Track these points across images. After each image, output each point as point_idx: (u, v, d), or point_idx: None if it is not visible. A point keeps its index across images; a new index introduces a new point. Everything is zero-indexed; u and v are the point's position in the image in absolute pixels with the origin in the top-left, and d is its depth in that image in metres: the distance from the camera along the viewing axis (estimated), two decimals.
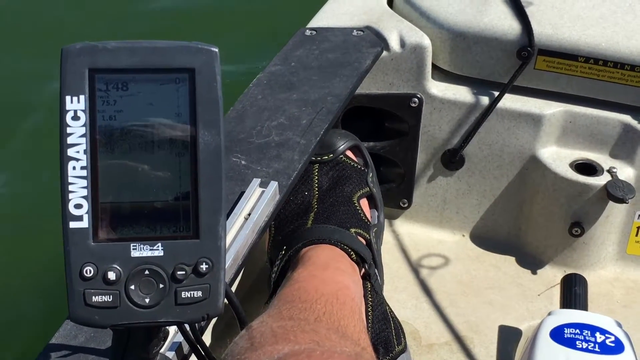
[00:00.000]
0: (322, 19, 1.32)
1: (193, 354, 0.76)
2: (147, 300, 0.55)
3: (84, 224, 0.54)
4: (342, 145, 1.14)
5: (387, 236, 1.35)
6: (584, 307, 1.12)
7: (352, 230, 1.05)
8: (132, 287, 0.55)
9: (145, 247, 0.55)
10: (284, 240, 1.05)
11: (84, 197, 0.54)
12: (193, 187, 0.55)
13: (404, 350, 1.01)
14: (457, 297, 1.26)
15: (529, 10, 1.22)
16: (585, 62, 1.20)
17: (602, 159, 1.25)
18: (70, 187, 0.53)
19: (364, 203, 1.13)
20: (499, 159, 1.30)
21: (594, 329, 1.01)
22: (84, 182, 0.54)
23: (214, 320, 1.00)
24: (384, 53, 1.24)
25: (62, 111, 0.53)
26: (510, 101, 1.25)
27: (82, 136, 0.53)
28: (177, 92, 0.54)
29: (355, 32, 1.27)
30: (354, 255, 1.01)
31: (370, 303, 1.00)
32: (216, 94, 0.55)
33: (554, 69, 1.22)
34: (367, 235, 1.07)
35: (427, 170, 1.35)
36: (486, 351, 1.16)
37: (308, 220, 1.06)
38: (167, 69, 0.54)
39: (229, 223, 0.90)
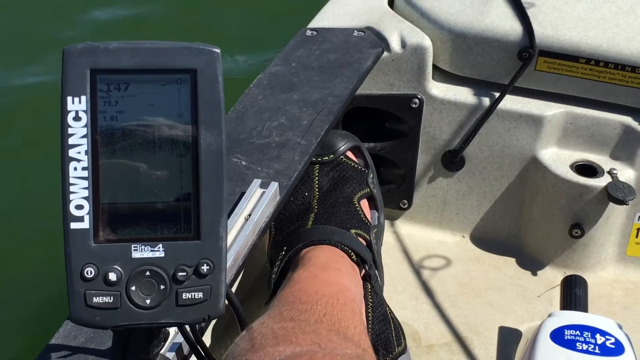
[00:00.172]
0: (322, 20, 1.32)
1: (193, 355, 0.76)
2: (147, 302, 0.55)
3: (85, 224, 0.54)
4: (342, 146, 1.14)
5: (387, 237, 1.35)
6: (584, 309, 1.12)
7: (353, 231, 1.05)
8: (133, 288, 0.55)
9: (146, 248, 0.55)
10: (284, 241, 1.05)
11: (85, 197, 0.54)
12: (194, 188, 0.55)
13: (404, 351, 1.00)
14: (457, 298, 1.26)
15: (530, 12, 1.22)
16: (586, 64, 1.20)
17: (603, 161, 1.25)
18: (71, 188, 0.53)
19: (364, 204, 1.13)
20: (500, 160, 1.30)
21: (594, 331, 1.01)
22: (85, 183, 0.53)
23: (214, 321, 1.00)
24: (385, 54, 1.24)
25: (64, 112, 0.53)
26: (510, 102, 1.25)
27: (83, 137, 0.53)
28: (178, 93, 0.54)
29: (356, 33, 1.27)
30: (354, 256, 1.01)
31: (371, 304, 0.99)
32: (218, 95, 0.55)
33: (554, 70, 1.22)
34: (368, 236, 1.07)
35: (428, 171, 1.35)
36: (486, 352, 1.16)
37: (308, 221, 1.06)
38: (168, 70, 0.54)
39: (230, 224, 0.90)
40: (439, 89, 1.28)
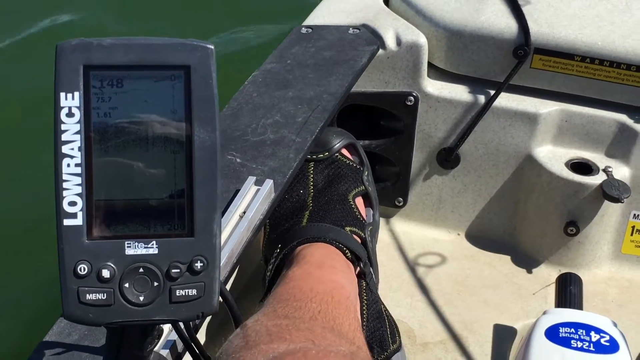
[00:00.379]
0: (318, 17, 1.32)
1: (187, 352, 0.76)
2: (141, 298, 0.55)
3: (78, 221, 0.54)
4: (337, 144, 1.14)
5: (382, 235, 1.35)
6: (579, 306, 1.12)
7: (347, 228, 1.05)
8: (127, 285, 0.55)
9: (139, 245, 0.55)
10: (278, 239, 1.05)
11: (78, 194, 0.53)
12: (188, 185, 0.55)
13: (398, 349, 1.00)
14: (452, 295, 1.26)
15: (525, 9, 1.22)
16: (581, 61, 1.20)
17: (598, 158, 1.25)
18: (65, 185, 0.53)
19: (359, 201, 1.13)
20: (495, 158, 1.30)
21: (589, 328, 1.01)
22: (79, 180, 0.53)
23: (208, 319, 1.00)
24: (380, 51, 1.24)
25: (57, 108, 0.53)
26: (506, 100, 1.25)
27: (76, 133, 0.53)
28: (172, 89, 0.54)
29: (351, 30, 1.26)
30: (349, 254, 1.01)
31: (365, 301, 0.99)
32: (212, 92, 0.55)
33: (550, 68, 1.22)
34: (362, 234, 1.07)
35: (423, 169, 1.35)
36: (481, 350, 1.16)
37: (303, 218, 1.06)
38: (162, 66, 0.54)
39: (224, 221, 0.90)
40: (434, 87, 1.28)
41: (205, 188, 0.55)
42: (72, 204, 0.53)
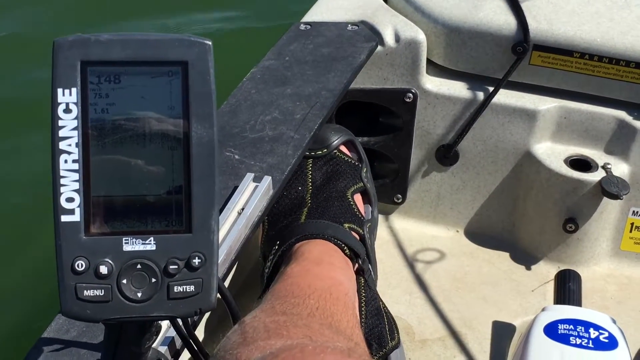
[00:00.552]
0: (316, 13, 1.32)
1: (185, 349, 0.76)
2: (139, 295, 0.55)
3: (76, 217, 0.53)
4: (336, 140, 1.14)
5: (381, 232, 1.35)
6: (578, 303, 1.12)
7: (346, 225, 1.05)
8: (124, 281, 0.54)
9: (137, 241, 0.54)
10: (277, 235, 1.05)
11: (75, 190, 0.53)
12: (186, 181, 0.55)
13: (397, 345, 1.00)
14: (450, 292, 1.26)
15: (524, 6, 1.22)
16: (580, 58, 1.20)
17: (597, 155, 1.25)
18: (62, 181, 0.53)
19: (357, 198, 1.13)
20: (494, 155, 1.30)
21: (587, 325, 1.01)
22: (76, 176, 0.53)
23: (206, 315, 1.00)
24: (379, 48, 1.24)
25: (54, 104, 0.53)
26: (505, 96, 1.25)
27: (73, 129, 0.53)
28: (170, 85, 0.54)
29: (349, 27, 1.26)
30: (347, 251, 1.01)
31: (364, 298, 0.99)
32: (209, 88, 0.54)
33: (549, 65, 1.22)
34: (361, 231, 1.07)
35: (422, 165, 1.35)
36: (480, 347, 1.16)
37: (301, 215, 1.06)
38: (160, 62, 0.54)
39: (222, 218, 0.90)
40: (433, 83, 1.28)
41: (203, 184, 0.55)
42: (70, 200, 0.53)
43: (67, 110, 0.53)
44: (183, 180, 0.55)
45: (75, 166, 0.53)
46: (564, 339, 0.99)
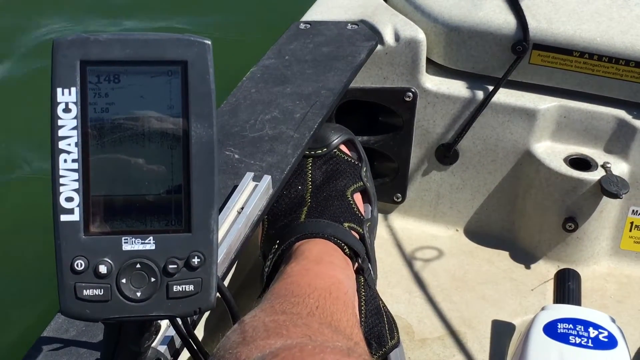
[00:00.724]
0: (316, 13, 1.32)
1: (185, 348, 0.76)
2: (138, 294, 0.55)
3: (75, 217, 0.53)
4: (335, 140, 1.14)
5: (380, 231, 1.35)
6: (578, 302, 1.12)
7: (346, 224, 1.05)
8: (124, 280, 0.54)
9: (136, 241, 0.54)
10: (277, 234, 1.05)
11: (75, 190, 0.53)
12: (185, 181, 0.55)
13: (396, 344, 1.00)
14: (450, 291, 1.26)
15: (523, 5, 1.22)
16: (580, 57, 1.20)
17: (597, 154, 1.25)
18: (61, 180, 0.53)
19: (357, 197, 1.13)
20: (493, 154, 1.29)
21: (587, 324, 1.01)
22: (75, 175, 0.53)
23: (206, 314, 1.00)
24: (378, 47, 1.24)
25: (53, 103, 0.53)
26: (504, 96, 1.25)
27: (73, 129, 0.53)
28: (169, 85, 0.54)
29: (349, 26, 1.26)
30: (347, 250, 1.01)
31: (364, 297, 0.99)
32: (209, 87, 0.54)
33: (548, 64, 1.22)
34: (361, 230, 1.07)
35: (421, 164, 1.34)
36: (479, 346, 1.16)
37: (301, 214, 1.06)
38: (159, 62, 0.54)
39: (222, 217, 0.90)
40: (432, 83, 1.28)
41: (203, 184, 0.55)
42: (69, 199, 0.53)
43: (67, 110, 0.53)
44: (182, 179, 0.55)
45: (75, 166, 0.53)
46: (563, 338, 0.99)
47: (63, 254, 0.54)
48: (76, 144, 0.53)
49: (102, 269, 0.54)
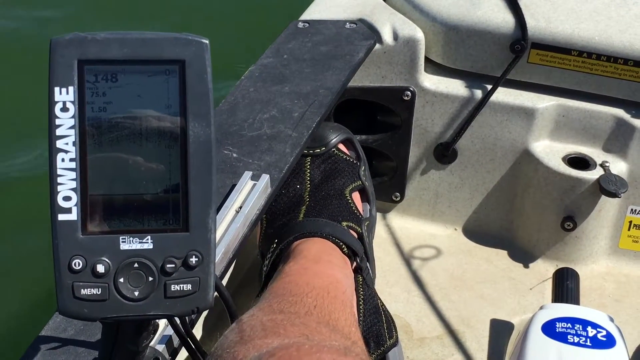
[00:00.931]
0: (314, 11, 1.31)
1: (183, 347, 0.76)
2: (136, 293, 0.55)
3: (73, 216, 0.53)
4: (334, 139, 1.14)
5: (379, 230, 1.35)
6: (576, 301, 1.12)
7: (344, 223, 1.05)
8: (121, 280, 0.54)
9: (134, 240, 0.54)
10: (275, 234, 1.05)
11: (72, 189, 0.53)
12: (183, 180, 0.55)
13: (395, 344, 1.00)
14: (449, 290, 1.26)
15: (522, 4, 1.22)
16: (578, 56, 1.20)
17: (595, 153, 1.25)
18: (59, 179, 0.53)
19: (356, 196, 1.13)
20: (492, 153, 1.30)
21: (585, 323, 1.01)
22: (73, 174, 0.53)
23: (204, 313, 1.00)
24: (377, 46, 1.24)
25: (51, 103, 0.53)
26: (503, 95, 1.25)
27: (71, 128, 0.53)
28: (167, 84, 0.54)
29: (348, 25, 1.26)
30: (345, 249, 1.01)
31: (362, 296, 0.99)
32: (206, 86, 0.54)
33: (547, 63, 1.22)
34: (359, 229, 1.07)
35: (420, 163, 1.34)
36: (478, 345, 1.16)
37: (300, 213, 1.06)
38: (157, 61, 0.54)
39: (220, 216, 0.90)
40: (431, 82, 1.28)
41: (200, 183, 0.55)
42: (67, 198, 0.53)
43: (64, 109, 0.53)
44: (180, 178, 0.55)
45: (73, 165, 0.53)
46: (561, 337, 0.99)
47: (61, 253, 0.54)
48: (74, 143, 0.53)
49: (100, 268, 0.54)
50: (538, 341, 1.00)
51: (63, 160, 0.53)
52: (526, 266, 1.31)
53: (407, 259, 1.32)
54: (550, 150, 1.26)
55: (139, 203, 0.55)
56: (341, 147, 1.15)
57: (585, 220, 1.26)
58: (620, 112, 1.23)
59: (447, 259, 1.32)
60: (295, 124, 1.05)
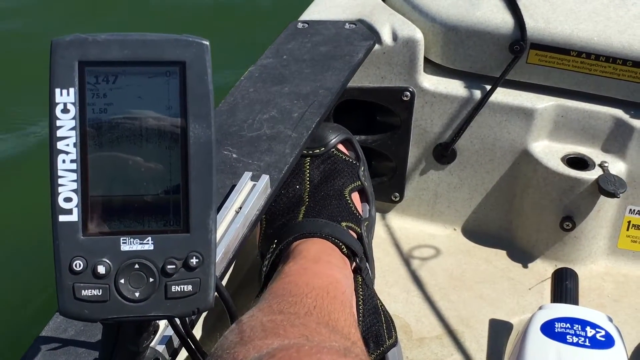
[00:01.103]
0: (314, 12, 1.32)
1: (183, 348, 0.76)
2: (137, 294, 0.55)
3: (74, 217, 0.53)
4: (333, 139, 1.14)
5: (378, 230, 1.35)
6: (575, 302, 1.12)
7: (343, 224, 1.05)
8: (122, 281, 0.54)
9: (135, 241, 0.55)
10: (275, 234, 1.05)
11: (73, 190, 0.53)
12: (183, 181, 0.55)
13: (394, 344, 1.00)
14: (448, 291, 1.26)
15: (521, 4, 1.22)
16: (577, 57, 1.20)
17: (594, 154, 1.26)
18: (60, 181, 0.53)
19: (355, 197, 1.13)
20: (491, 153, 1.30)
21: (584, 324, 1.01)
22: (74, 176, 0.53)
23: (204, 314, 1.00)
24: (376, 46, 1.24)
25: (52, 104, 0.53)
26: (502, 95, 1.25)
27: (71, 129, 0.53)
28: (167, 85, 0.54)
29: (347, 25, 1.26)
30: (344, 249, 1.01)
31: (361, 297, 0.99)
32: (207, 87, 0.54)
33: (546, 63, 1.22)
34: (358, 229, 1.07)
35: (419, 164, 1.35)
36: (477, 345, 1.17)
37: (299, 213, 1.06)
38: (157, 62, 0.54)
39: (220, 217, 0.90)
40: (430, 82, 1.28)
41: (201, 184, 0.55)
42: (68, 200, 0.53)
43: (65, 111, 0.53)
44: (181, 180, 0.55)
45: (73, 166, 0.53)
46: (560, 338, 1.00)
47: (62, 255, 0.54)
48: (74, 145, 0.53)
49: (101, 269, 0.54)
50: (537, 341, 1.00)
51: (64, 161, 0.53)
52: (525, 266, 1.31)
53: (406, 259, 1.32)
54: (549, 151, 1.26)
55: (139, 204, 0.55)
56: (340, 147, 1.15)
57: (584, 221, 1.26)
58: (619, 113, 1.23)
59: (446, 259, 1.33)
60: (294, 124, 1.05)
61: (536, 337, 1.01)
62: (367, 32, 1.25)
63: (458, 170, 1.33)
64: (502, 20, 1.21)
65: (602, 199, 1.23)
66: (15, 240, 1.86)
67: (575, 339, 0.99)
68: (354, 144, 1.18)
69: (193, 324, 0.82)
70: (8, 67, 2.53)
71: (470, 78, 1.27)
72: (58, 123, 0.53)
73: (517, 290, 1.26)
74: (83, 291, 0.54)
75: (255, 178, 0.95)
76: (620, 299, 1.26)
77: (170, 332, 0.77)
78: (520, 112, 1.25)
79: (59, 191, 0.53)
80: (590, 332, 1.00)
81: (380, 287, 1.19)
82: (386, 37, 1.24)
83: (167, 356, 0.77)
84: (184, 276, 0.55)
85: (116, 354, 0.61)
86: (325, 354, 0.61)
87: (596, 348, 0.98)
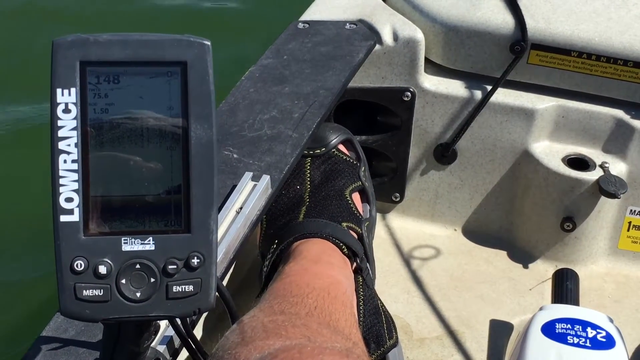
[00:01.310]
0: (314, 12, 1.32)
1: (184, 348, 0.76)
2: (138, 295, 0.55)
3: (75, 217, 0.53)
4: (334, 139, 1.14)
5: (379, 230, 1.35)
6: (576, 302, 1.12)
7: (344, 224, 1.05)
8: (123, 281, 0.54)
9: (136, 241, 0.55)
10: (275, 234, 1.05)
11: (74, 190, 0.53)
12: (185, 181, 0.55)
13: (395, 344, 1.00)
14: (448, 291, 1.26)
15: (522, 5, 1.22)
16: (578, 57, 1.20)
17: (595, 154, 1.26)
18: (61, 181, 0.53)
19: (356, 197, 1.13)
20: (492, 154, 1.30)
21: (585, 324, 1.01)
22: (75, 176, 0.53)
23: (205, 314, 1.00)
24: (377, 46, 1.24)
25: (53, 104, 0.53)
26: (503, 95, 1.25)
27: (73, 129, 0.53)
28: (169, 86, 0.54)
29: (348, 26, 1.26)
30: (345, 249, 1.01)
31: (362, 297, 0.99)
32: (208, 88, 0.54)
33: (547, 64, 1.22)
34: (359, 229, 1.07)
35: (420, 164, 1.35)
36: (477, 345, 1.16)
37: (300, 214, 1.06)
38: (159, 62, 0.54)
39: (221, 217, 0.90)
40: (431, 82, 1.28)
41: (202, 184, 0.55)
42: (69, 200, 0.53)
43: (67, 111, 0.53)
44: (182, 180, 0.55)
45: (75, 166, 0.53)
46: (561, 338, 1.00)
47: (63, 255, 0.54)
48: (76, 145, 0.53)
49: (102, 269, 0.54)
50: (538, 342, 1.00)
51: (65, 161, 0.53)
52: (526, 267, 1.31)
53: (406, 260, 1.32)
54: (550, 151, 1.26)
55: (140, 204, 0.55)
56: (341, 147, 1.15)
57: (584, 221, 1.26)
58: (619, 113, 1.23)
59: (446, 259, 1.33)
60: (295, 124, 1.05)
61: (537, 337, 1.01)
62: (367, 32, 1.25)
63: (459, 171, 1.33)
64: (503, 20, 1.21)
65: (603, 199, 1.23)
66: (16, 240, 1.86)
67: (575, 340, 0.99)
68: (355, 144, 1.18)
69: (194, 324, 0.82)
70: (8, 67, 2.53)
71: (470, 78, 1.27)
72: (59, 123, 0.53)
73: (517, 291, 1.26)
74: (84, 291, 0.54)
75: (256, 178, 0.95)
76: (621, 300, 1.26)
77: (171, 332, 0.76)
78: (521, 112, 1.25)
79: (60, 191, 0.53)
80: (591, 332, 1.00)
81: (381, 288, 1.19)
82: (387, 38, 1.24)
83: (168, 356, 0.77)
84: (185, 276, 0.55)
85: (117, 354, 0.61)
86: (328, 355, 0.61)
87: (597, 349, 0.98)
